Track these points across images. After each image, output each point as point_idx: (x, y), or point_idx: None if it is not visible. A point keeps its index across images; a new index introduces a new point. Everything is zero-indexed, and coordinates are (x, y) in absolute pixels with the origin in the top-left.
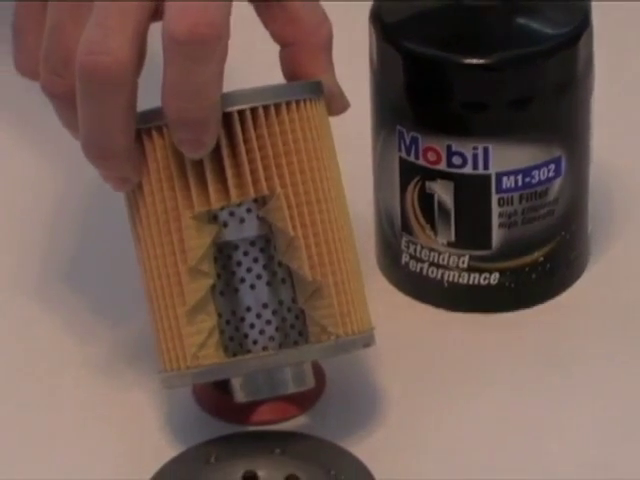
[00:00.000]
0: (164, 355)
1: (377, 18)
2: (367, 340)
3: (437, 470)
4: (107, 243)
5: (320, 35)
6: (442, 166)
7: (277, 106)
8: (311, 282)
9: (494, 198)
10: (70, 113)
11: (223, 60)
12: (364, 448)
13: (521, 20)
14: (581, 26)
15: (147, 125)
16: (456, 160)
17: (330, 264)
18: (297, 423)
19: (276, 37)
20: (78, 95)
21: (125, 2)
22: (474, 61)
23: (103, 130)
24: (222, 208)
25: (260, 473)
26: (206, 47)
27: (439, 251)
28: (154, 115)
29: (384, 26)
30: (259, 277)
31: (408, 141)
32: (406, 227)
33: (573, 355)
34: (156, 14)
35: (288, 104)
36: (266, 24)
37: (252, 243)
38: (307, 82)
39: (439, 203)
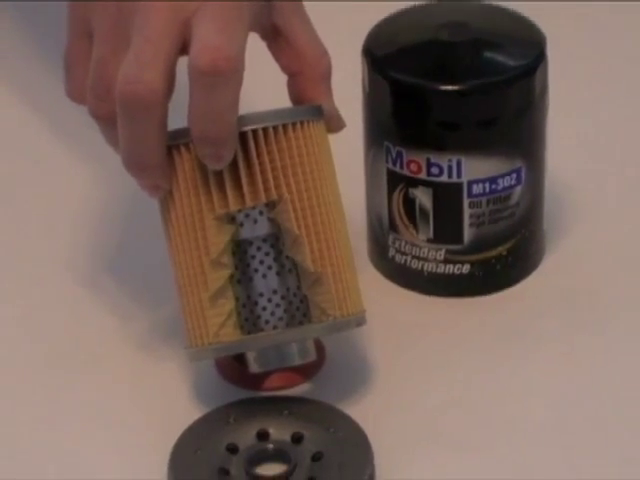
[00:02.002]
0: (190, 333)
1: (368, 52)
2: (360, 320)
3: (419, 427)
4: (146, 240)
5: (321, 67)
6: (422, 175)
7: (284, 126)
8: (312, 273)
9: (465, 202)
10: (112, 132)
11: (239, 88)
12: (358, 409)
13: (488, 54)
14: (537, 59)
15: (176, 142)
16: (434, 170)
17: (329, 257)
18: (302, 389)
19: (284, 68)
20: (119, 118)
21: (157, 41)
22: (448, 88)
23: (140, 146)
24: (239, 210)
25: (271, 431)
26: (224, 78)
27: (420, 246)
28: (181, 134)
29: (374, 59)
30: (270, 268)
31: (394, 154)
32: (392, 226)
33: (531, 331)
34: (184, 49)
35: (293, 124)
36: (276, 57)
37: (264, 240)
38: (309, 106)
39: (420, 206)
